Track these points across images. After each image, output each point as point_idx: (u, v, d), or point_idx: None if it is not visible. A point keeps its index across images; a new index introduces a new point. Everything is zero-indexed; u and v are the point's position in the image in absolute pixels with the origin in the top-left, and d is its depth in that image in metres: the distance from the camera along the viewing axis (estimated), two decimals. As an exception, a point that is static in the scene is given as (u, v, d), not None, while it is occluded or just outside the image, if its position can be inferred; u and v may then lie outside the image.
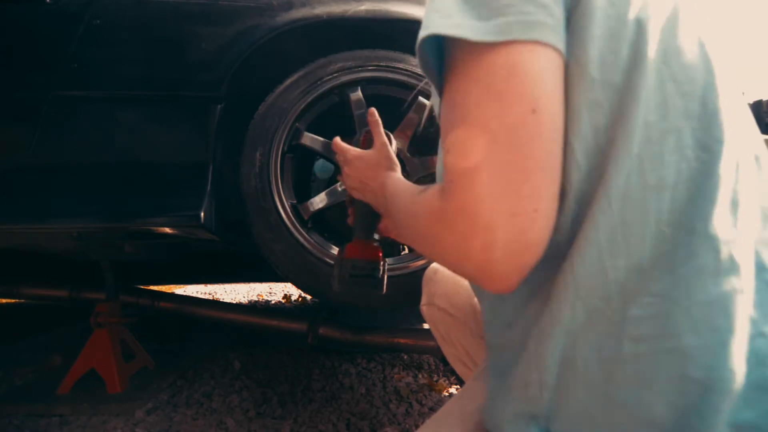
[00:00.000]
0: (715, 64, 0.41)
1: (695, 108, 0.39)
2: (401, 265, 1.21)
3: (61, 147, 1.22)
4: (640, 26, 0.39)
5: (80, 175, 1.21)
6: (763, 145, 0.44)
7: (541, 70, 0.36)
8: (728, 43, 0.45)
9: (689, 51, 0.40)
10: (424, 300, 0.87)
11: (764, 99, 2.54)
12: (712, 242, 0.37)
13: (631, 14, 0.39)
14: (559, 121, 0.38)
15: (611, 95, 0.39)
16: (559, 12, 0.37)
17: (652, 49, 0.39)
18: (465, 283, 0.80)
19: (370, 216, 0.78)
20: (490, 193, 0.36)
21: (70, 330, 2.15)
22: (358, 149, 0.76)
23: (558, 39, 0.37)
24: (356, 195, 0.77)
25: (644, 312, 0.37)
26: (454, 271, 0.42)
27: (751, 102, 2.57)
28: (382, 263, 0.77)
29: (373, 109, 0.77)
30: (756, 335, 0.36)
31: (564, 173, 0.39)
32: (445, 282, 0.84)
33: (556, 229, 0.39)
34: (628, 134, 0.38)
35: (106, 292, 1.59)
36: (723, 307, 0.36)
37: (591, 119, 0.39)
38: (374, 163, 0.72)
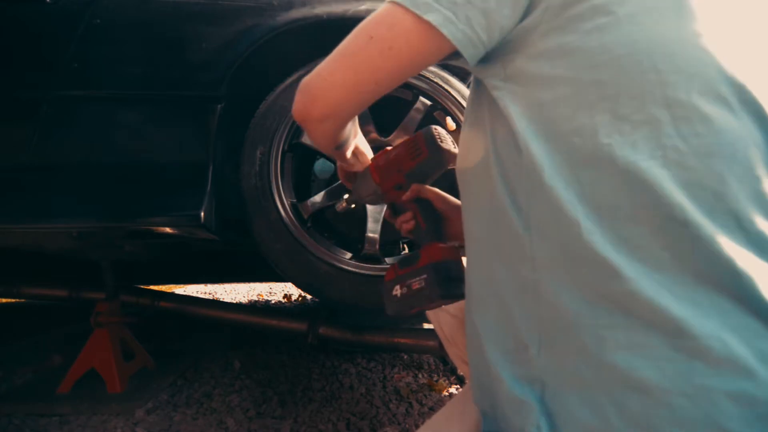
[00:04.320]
0: (716, 53, 0.42)
1: (680, 97, 0.41)
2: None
3: (61, 147, 1.22)
4: (619, 20, 0.43)
5: (80, 175, 1.21)
6: None
7: (399, 24, 0.49)
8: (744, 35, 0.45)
9: (679, 41, 0.42)
10: None
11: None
12: (682, 229, 0.39)
13: (620, 9, 0.43)
14: (390, 56, 0.50)
15: (574, 91, 0.43)
16: (468, 11, 0.47)
17: (629, 41, 0.42)
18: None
19: (438, 216, 0.75)
20: (325, 61, 0.54)
21: (70, 330, 2.15)
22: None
23: (441, 21, 0.47)
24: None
25: (631, 287, 0.40)
26: None
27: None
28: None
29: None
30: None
31: (526, 148, 0.46)
32: None
33: (510, 188, 0.48)
34: (597, 126, 0.42)
35: (106, 291, 1.59)
36: (702, 284, 0.39)
37: (551, 113, 0.44)
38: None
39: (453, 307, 0.81)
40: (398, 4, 0.49)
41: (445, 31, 0.47)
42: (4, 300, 2.76)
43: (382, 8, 0.52)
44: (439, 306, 0.73)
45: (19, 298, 1.97)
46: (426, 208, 0.76)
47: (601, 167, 0.42)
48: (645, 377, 0.38)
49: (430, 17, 0.47)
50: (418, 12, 0.48)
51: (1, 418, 1.27)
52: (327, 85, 0.53)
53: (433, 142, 0.71)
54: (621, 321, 0.40)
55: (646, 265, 0.40)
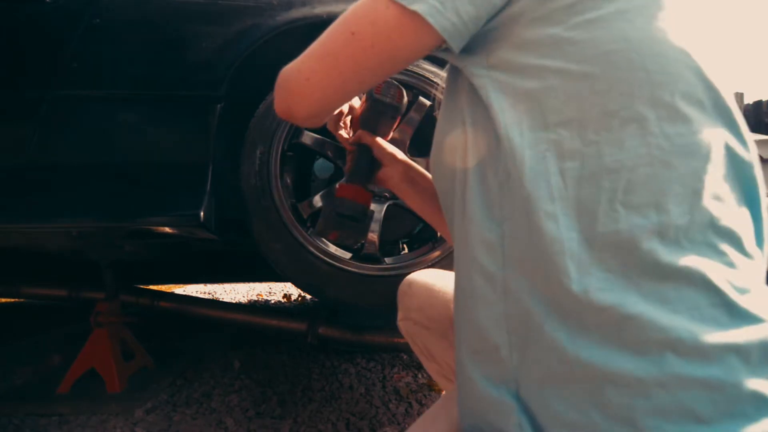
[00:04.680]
0: (695, 57, 0.43)
1: (665, 97, 0.42)
2: (401, 264, 1.21)
3: (61, 147, 1.22)
4: (610, 15, 0.43)
5: (80, 175, 1.22)
6: (750, 140, 0.45)
7: (382, 18, 0.47)
8: (717, 40, 0.47)
9: (665, 42, 0.43)
10: (400, 315, 0.83)
11: (764, 99, 2.55)
12: (662, 228, 0.40)
13: (609, 5, 0.43)
14: (374, 52, 0.49)
15: (564, 82, 0.43)
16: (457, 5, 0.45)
17: (622, 38, 0.42)
18: (441, 293, 0.78)
19: (371, 162, 0.78)
20: (307, 55, 0.52)
21: (70, 330, 2.15)
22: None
23: (428, 10, 0.45)
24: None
25: (602, 285, 0.40)
26: None
27: (751, 102, 2.58)
28: (370, 212, 0.77)
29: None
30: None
31: (509, 137, 0.44)
32: (419, 294, 0.80)
33: (485, 179, 0.47)
34: (586, 121, 0.42)
35: (106, 291, 1.59)
36: (672, 281, 0.39)
37: (540, 101, 0.44)
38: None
39: (425, 318, 0.78)
40: None
41: (432, 21, 0.45)
42: (4, 300, 2.77)
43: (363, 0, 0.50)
44: (335, 238, 0.79)
45: (19, 298, 1.97)
46: (362, 152, 0.79)
47: (585, 163, 0.42)
48: (620, 370, 0.38)
49: (416, 7, 0.45)
50: (403, 2, 0.46)
51: (1, 418, 1.27)
52: (310, 86, 0.52)
53: (369, 93, 0.77)
54: (590, 321, 0.40)
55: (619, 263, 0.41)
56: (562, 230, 0.41)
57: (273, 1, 1.24)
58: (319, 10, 1.23)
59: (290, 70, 0.53)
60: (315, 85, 0.52)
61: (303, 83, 0.52)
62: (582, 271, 0.40)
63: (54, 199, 1.19)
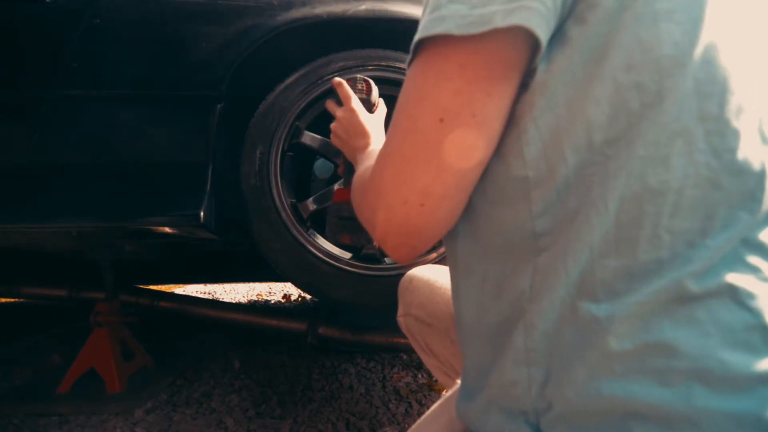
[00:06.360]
0: (743, 62, 0.39)
1: (712, 109, 0.37)
2: (400, 264, 1.21)
3: (61, 147, 1.22)
4: (655, 14, 0.37)
5: (80, 175, 1.21)
6: None
7: (474, 79, 0.38)
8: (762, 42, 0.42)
9: (713, 46, 0.38)
10: (400, 311, 0.84)
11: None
12: (708, 252, 0.37)
13: (657, 4, 0.38)
14: (471, 130, 0.38)
15: (611, 90, 0.38)
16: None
17: (671, 42, 0.37)
18: (442, 290, 0.77)
19: None
20: (393, 179, 0.41)
21: (70, 330, 2.15)
22: (359, 102, 0.76)
23: (541, 26, 0.36)
24: (336, 142, 0.78)
25: (629, 312, 0.37)
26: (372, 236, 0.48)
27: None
28: None
29: (339, 79, 0.79)
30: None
31: (548, 161, 0.39)
32: (421, 290, 0.80)
33: (530, 217, 0.41)
34: (634, 135, 0.38)
35: (106, 291, 1.59)
36: (702, 300, 0.36)
37: (585, 116, 0.38)
38: (360, 129, 0.74)
39: (426, 315, 0.78)
40: (442, 41, 0.38)
41: (539, 32, 0.36)
42: (4, 300, 2.76)
43: (419, 65, 0.40)
44: (349, 241, 0.84)
45: (19, 298, 1.97)
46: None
47: (630, 182, 0.38)
48: (645, 403, 0.36)
49: (516, 19, 0.35)
50: (485, 27, 0.36)
51: (1, 418, 1.27)
52: (426, 213, 0.41)
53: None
54: (613, 350, 0.37)
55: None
56: (595, 258, 0.38)
57: (273, 1, 1.24)
58: (319, 10, 1.23)
59: (387, 210, 0.42)
60: (433, 203, 0.41)
61: (418, 209, 0.41)
62: (612, 299, 0.37)
63: (54, 199, 1.19)
